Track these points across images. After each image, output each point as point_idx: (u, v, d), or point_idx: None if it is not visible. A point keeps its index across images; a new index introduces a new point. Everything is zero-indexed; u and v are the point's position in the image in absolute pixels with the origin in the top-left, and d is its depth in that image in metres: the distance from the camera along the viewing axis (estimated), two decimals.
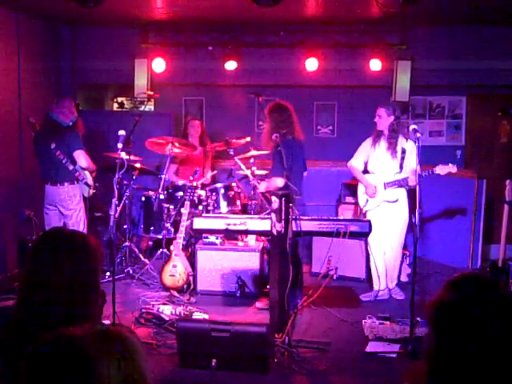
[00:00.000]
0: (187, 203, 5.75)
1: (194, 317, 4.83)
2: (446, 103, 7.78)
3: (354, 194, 6.21)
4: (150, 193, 6.48)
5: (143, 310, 4.97)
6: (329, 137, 7.98)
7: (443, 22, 7.22)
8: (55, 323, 1.51)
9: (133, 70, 7.50)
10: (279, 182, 5.03)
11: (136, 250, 6.43)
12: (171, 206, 6.21)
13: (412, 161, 5.33)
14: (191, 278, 5.63)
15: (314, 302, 5.25)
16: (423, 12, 6.36)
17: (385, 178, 5.50)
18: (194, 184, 5.94)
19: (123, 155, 5.08)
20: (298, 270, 4.82)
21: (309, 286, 5.47)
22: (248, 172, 5.82)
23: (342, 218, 6.02)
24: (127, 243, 6.35)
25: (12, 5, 6.20)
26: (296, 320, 4.92)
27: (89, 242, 1.78)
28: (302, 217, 4.63)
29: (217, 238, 5.81)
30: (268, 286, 5.07)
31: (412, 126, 4.67)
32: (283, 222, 4.45)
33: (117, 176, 4.96)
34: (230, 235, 5.80)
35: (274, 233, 4.53)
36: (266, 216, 4.76)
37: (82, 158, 5.57)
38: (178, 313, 4.88)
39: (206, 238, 5.82)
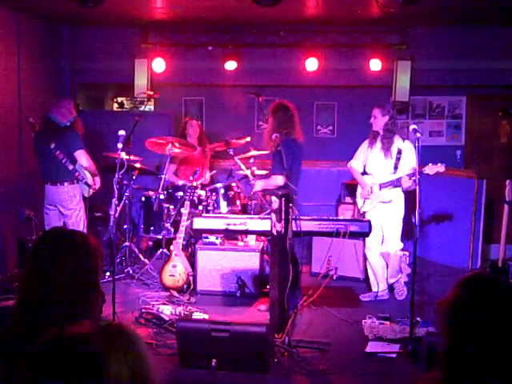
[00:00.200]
0: (187, 203, 5.75)
1: (193, 317, 4.82)
2: (446, 103, 7.78)
3: (354, 194, 6.20)
4: (150, 193, 6.48)
5: (143, 310, 4.97)
6: (329, 137, 7.99)
7: (443, 22, 7.23)
8: (55, 323, 1.51)
9: (133, 70, 7.50)
10: (279, 180, 5.02)
11: (136, 250, 6.43)
12: (171, 206, 6.21)
13: (409, 161, 5.32)
14: (191, 278, 5.63)
15: (314, 301, 5.25)
16: (423, 12, 6.36)
17: (380, 179, 5.50)
18: (194, 184, 5.94)
19: (123, 155, 5.08)
20: (296, 270, 4.81)
21: (309, 286, 5.46)
22: (248, 172, 5.82)
23: (341, 217, 6.02)
24: (127, 243, 6.34)
25: (12, 5, 6.20)
26: (296, 320, 4.92)
27: (89, 242, 1.78)
28: (301, 217, 4.63)
29: (217, 238, 5.81)
30: (268, 286, 5.07)
31: (412, 126, 4.67)
32: (283, 221, 4.45)
33: (117, 176, 4.96)
34: (230, 235, 5.80)
35: (274, 233, 4.53)
36: (266, 216, 4.76)
37: (83, 158, 5.58)
38: (177, 313, 4.88)
39: (206, 237, 5.81)
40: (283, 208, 4.42)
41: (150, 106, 8.34)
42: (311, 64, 7.39)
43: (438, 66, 7.53)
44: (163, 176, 6.21)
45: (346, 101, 7.85)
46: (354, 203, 6.10)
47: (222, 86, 7.87)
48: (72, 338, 1.13)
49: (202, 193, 6.17)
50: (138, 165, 6.53)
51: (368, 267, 5.71)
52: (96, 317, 1.75)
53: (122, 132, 5.16)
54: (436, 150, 7.38)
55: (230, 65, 7.51)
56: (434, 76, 7.57)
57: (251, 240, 5.90)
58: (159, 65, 7.51)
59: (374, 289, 5.66)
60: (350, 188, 6.83)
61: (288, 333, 4.34)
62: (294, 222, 4.50)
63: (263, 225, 4.69)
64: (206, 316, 4.88)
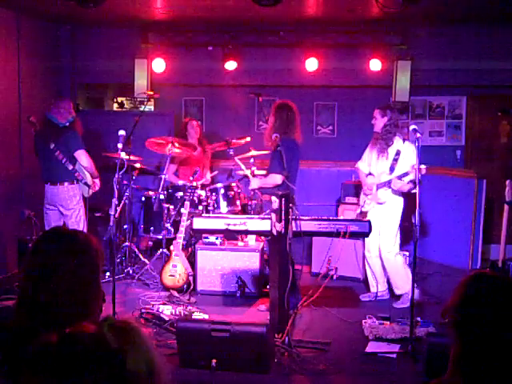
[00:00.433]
0: (187, 203, 5.75)
1: (193, 317, 4.83)
2: (446, 103, 7.78)
3: (354, 194, 6.21)
4: (150, 193, 6.48)
5: (143, 310, 4.97)
6: (329, 137, 7.98)
7: (443, 21, 7.22)
8: (56, 323, 1.51)
9: (133, 69, 7.50)
10: (278, 178, 5.02)
11: (136, 249, 6.43)
12: (171, 206, 6.21)
13: (408, 162, 5.28)
14: (191, 278, 5.63)
15: (314, 302, 5.25)
16: (423, 12, 6.36)
17: (378, 180, 5.49)
18: (194, 184, 5.94)
19: (123, 155, 5.08)
20: (293, 270, 4.80)
21: (309, 286, 5.46)
22: (248, 172, 5.82)
23: (341, 218, 6.01)
24: (127, 243, 6.35)
25: (12, 5, 6.20)
26: (296, 320, 4.92)
27: (89, 242, 1.78)
28: (301, 217, 4.63)
29: (217, 238, 5.81)
30: (268, 286, 5.07)
31: (412, 126, 4.67)
32: (283, 221, 4.45)
33: (117, 176, 4.97)
34: (230, 235, 5.80)
35: (274, 233, 4.53)
36: (266, 216, 4.75)
37: (83, 158, 5.58)
38: (177, 313, 4.89)
39: (206, 238, 5.82)
40: (283, 208, 4.42)
41: (150, 106, 8.33)
42: (311, 64, 7.39)
43: (438, 66, 7.53)
44: (163, 176, 6.22)
45: (346, 101, 7.85)
46: (357, 203, 6.10)
47: (222, 86, 7.87)
48: (82, 336, 1.13)
49: (202, 193, 6.17)
50: (138, 165, 6.53)
51: (367, 268, 5.71)
52: (96, 317, 1.75)
53: (121, 132, 5.16)
54: (436, 150, 7.38)
55: (230, 65, 7.51)
56: (434, 76, 7.57)
57: (251, 240, 5.90)
58: (159, 65, 7.51)
59: (373, 289, 5.66)
60: (350, 188, 6.83)
61: (288, 333, 4.34)
62: (293, 221, 4.50)
63: (263, 225, 4.69)
64: (206, 316, 4.88)
